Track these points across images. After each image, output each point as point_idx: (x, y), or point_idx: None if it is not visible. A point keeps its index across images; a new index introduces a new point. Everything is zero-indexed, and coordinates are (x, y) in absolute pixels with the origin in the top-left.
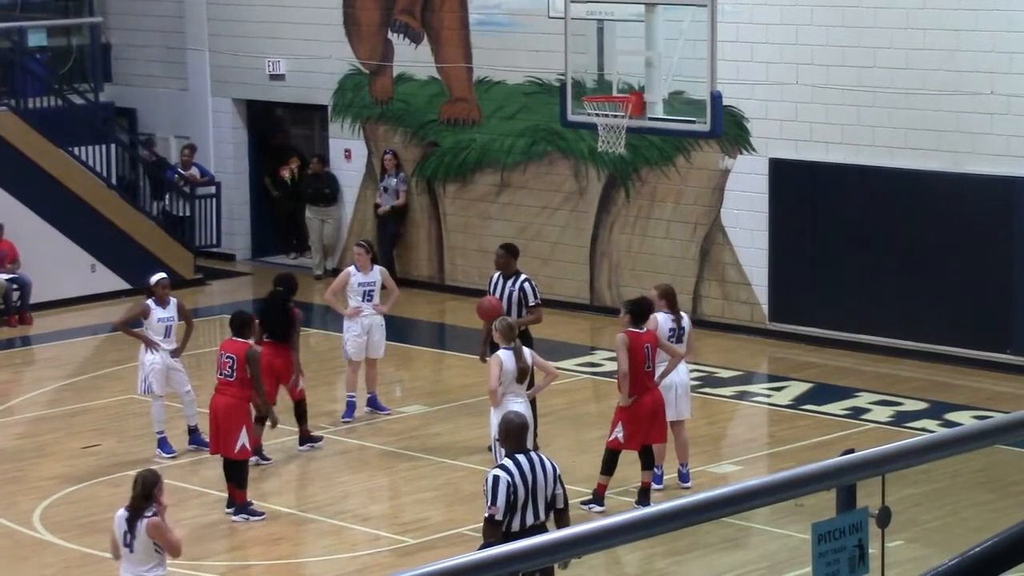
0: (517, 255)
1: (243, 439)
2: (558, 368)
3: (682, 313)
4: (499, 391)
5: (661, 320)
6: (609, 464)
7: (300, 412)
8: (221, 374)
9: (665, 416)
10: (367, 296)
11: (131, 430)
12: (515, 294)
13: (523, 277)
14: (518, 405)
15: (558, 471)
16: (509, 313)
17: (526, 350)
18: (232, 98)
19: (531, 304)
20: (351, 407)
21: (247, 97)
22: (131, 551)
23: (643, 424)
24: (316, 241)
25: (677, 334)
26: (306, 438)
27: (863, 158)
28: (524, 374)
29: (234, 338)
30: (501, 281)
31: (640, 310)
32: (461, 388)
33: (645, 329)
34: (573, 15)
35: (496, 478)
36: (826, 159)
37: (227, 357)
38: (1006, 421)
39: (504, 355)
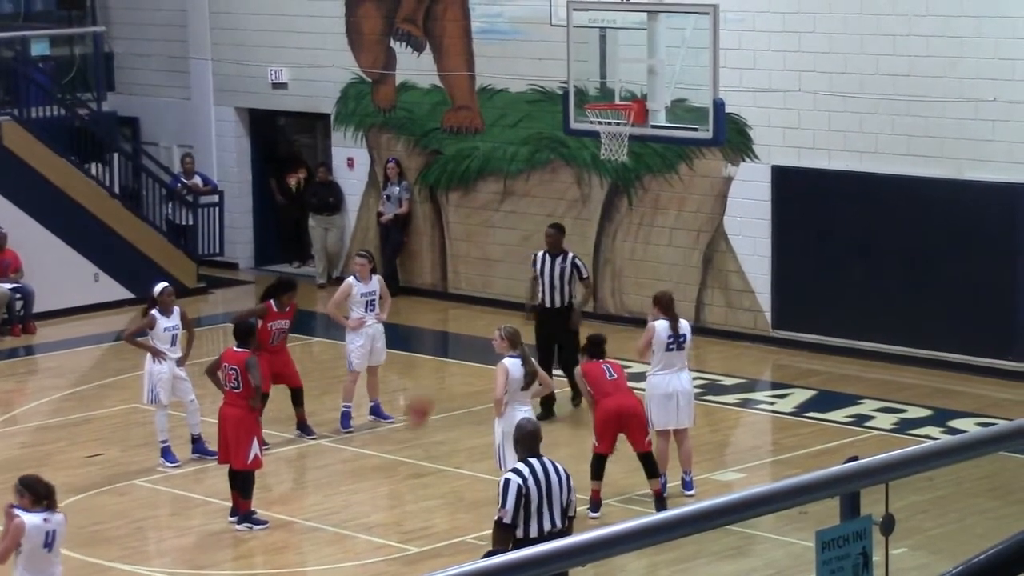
0: (565, 233)
1: (254, 449)
2: (561, 375)
3: (681, 320)
4: (504, 400)
5: (659, 328)
6: (595, 469)
7: (297, 399)
8: (228, 386)
9: (640, 423)
10: (369, 306)
11: (134, 439)
12: (567, 270)
13: (572, 254)
14: (523, 413)
15: (571, 478)
16: (560, 289)
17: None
18: (235, 107)
19: (583, 277)
20: (347, 417)
21: (250, 106)
22: (50, 551)
23: (611, 426)
24: (319, 250)
25: (677, 341)
26: (303, 424)
27: (866, 165)
28: (533, 378)
29: (235, 348)
30: (548, 259)
31: (591, 348)
32: (464, 396)
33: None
34: (575, 23)
35: (507, 481)
36: (829, 166)
37: (231, 369)
38: (1010, 428)
39: (510, 363)
